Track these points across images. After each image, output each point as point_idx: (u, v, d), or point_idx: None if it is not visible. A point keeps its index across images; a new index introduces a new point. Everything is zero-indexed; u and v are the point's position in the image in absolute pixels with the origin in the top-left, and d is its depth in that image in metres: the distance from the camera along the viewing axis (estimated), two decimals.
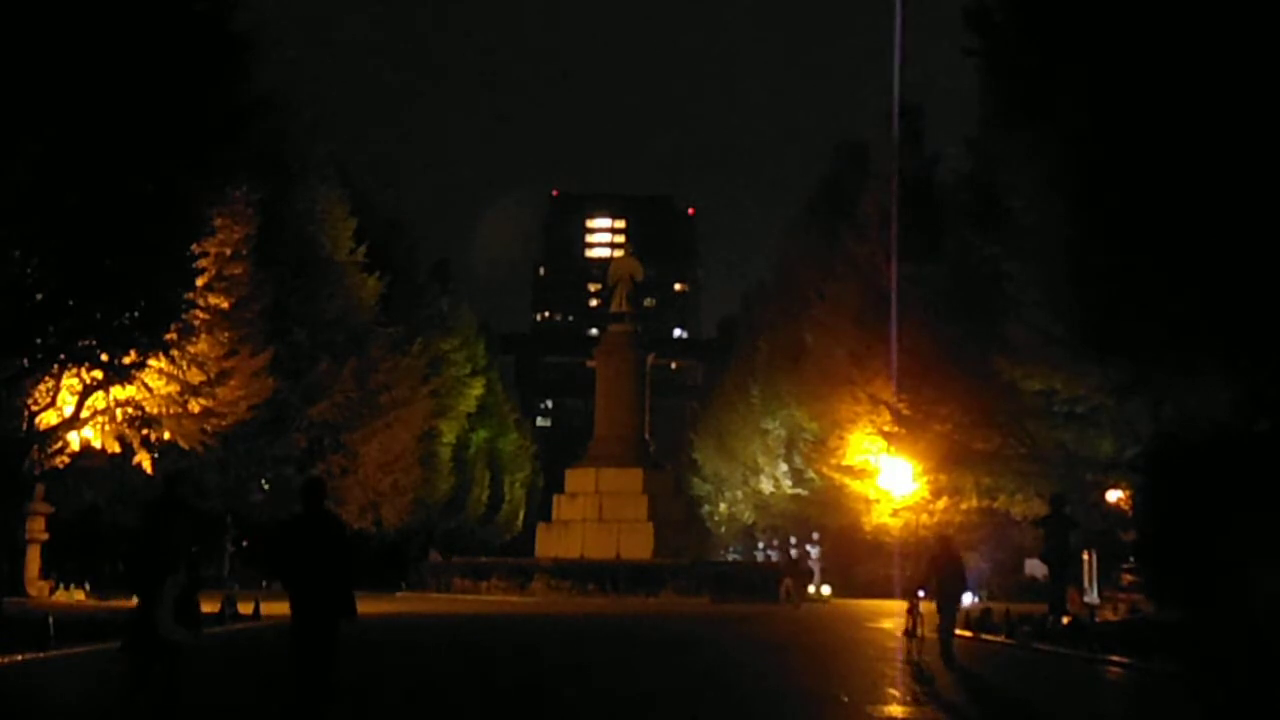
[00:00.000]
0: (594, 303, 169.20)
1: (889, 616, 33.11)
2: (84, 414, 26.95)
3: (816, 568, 55.98)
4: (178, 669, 10.06)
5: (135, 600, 10.02)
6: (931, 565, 20.60)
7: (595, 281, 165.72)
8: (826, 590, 49.13)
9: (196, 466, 33.89)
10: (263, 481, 42.43)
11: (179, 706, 10.17)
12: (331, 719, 10.25)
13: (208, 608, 25.21)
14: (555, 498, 50.58)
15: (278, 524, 16.03)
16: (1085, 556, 38.80)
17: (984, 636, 24.77)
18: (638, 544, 45.14)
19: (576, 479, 49.35)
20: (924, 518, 43.44)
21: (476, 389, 62.19)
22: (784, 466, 55.56)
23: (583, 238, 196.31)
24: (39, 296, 21.47)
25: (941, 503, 41.40)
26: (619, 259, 62.18)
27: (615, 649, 22.96)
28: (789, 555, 36.65)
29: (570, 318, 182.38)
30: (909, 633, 20.14)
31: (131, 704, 10.06)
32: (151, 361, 25.77)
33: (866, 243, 46.45)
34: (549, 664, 19.47)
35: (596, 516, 47.05)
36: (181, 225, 23.52)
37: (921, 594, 20.74)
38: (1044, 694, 17.23)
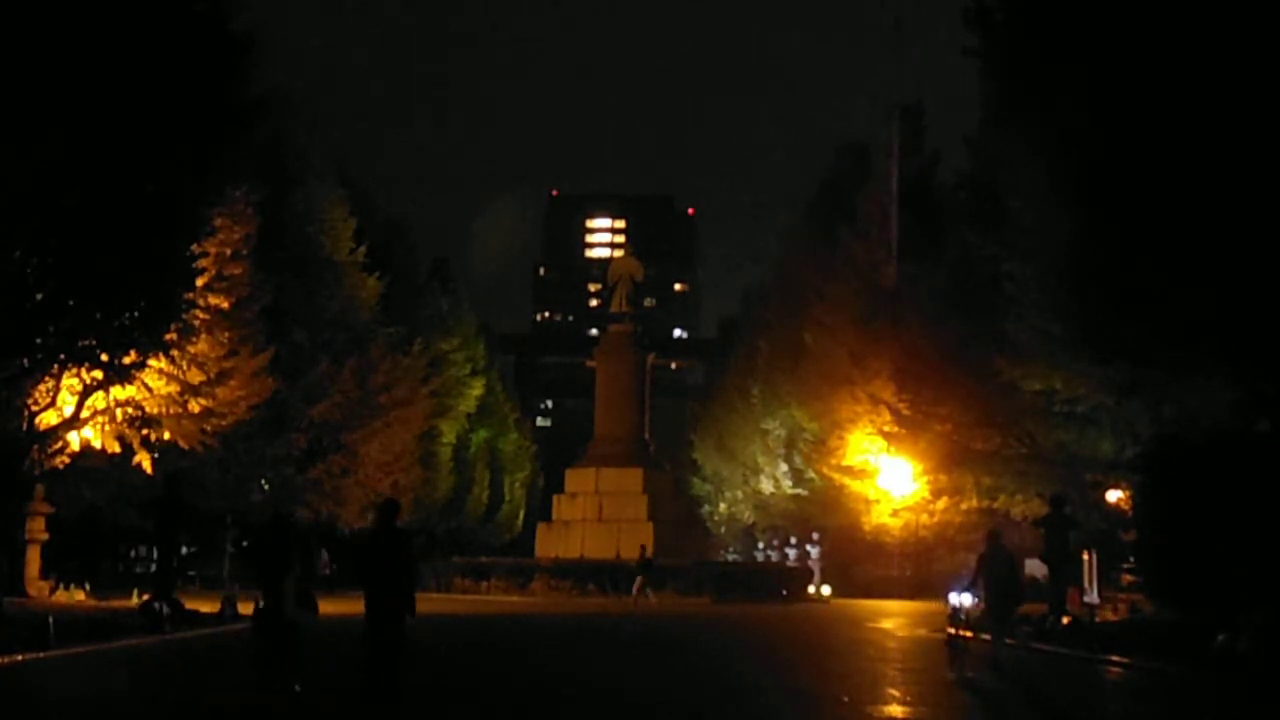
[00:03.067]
0: (594, 303, 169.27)
1: (889, 617, 33.11)
2: (84, 414, 26.91)
3: (816, 568, 55.95)
4: (301, 643, 12.61)
5: (261, 594, 12.71)
6: (980, 565, 18.66)
7: (595, 281, 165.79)
8: (826, 590, 49.12)
9: (196, 466, 33.87)
10: (263, 481, 42.39)
11: (300, 672, 12.57)
12: (402, 695, 12.51)
13: (206, 608, 25.44)
14: (555, 498, 50.51)
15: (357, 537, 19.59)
16: (1085, 556, 38.78)
17: (983, 636, 24.73)
18: (638, 544, 45.09)
19: (576, 479, 49.30)
20: (924, 518, 43.46)
21: (476, 389, 62.13)
22: (784, 466, 55.51)
23: (583, 238, 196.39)
24: (39, 296, 21.44)
25: (941, 503, 41.40)
26: (619, 259, 62.11)
27: (616, 649, 22.95)
28: (643, 552, 36.76)
29: (570, 318, 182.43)
30: (953, 642, 17.78)
31: (265, 677, 12.57)
32: (151, 361, 25.73)
33: (866, 243, 46.45)
34: (551, 663, 19.47)
35: (596, 516, 46.99)
36: (181, 225, 23.50)
37: (971, 597, 18.54)
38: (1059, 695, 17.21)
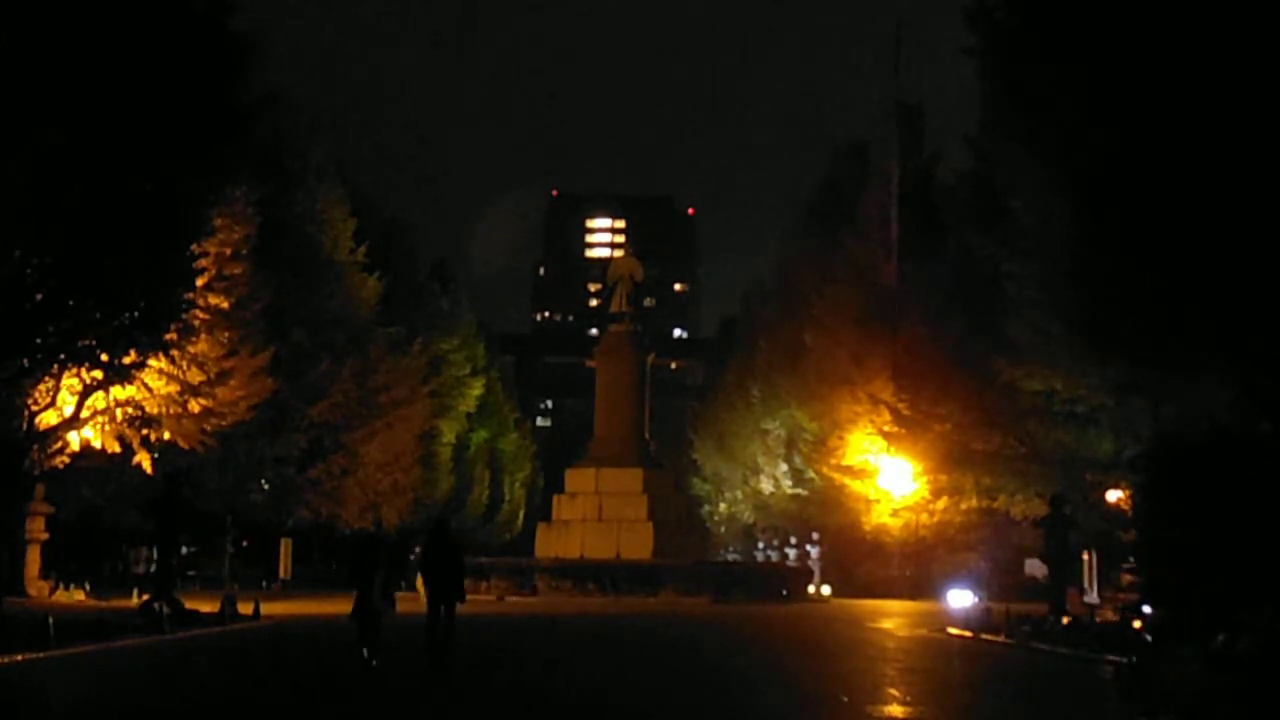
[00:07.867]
0: (594, 303, 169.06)
1: (889, 616, 33.12)
2: (84, 414, 26.92)
3: (816, 568, 55.96)
4: (381, 627, 16.56)
5: (356, 592, 16.59)
6: None
7: (595, 281, 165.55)
8: (826, 590, 49.11)
9: (196, 466, 33.88)
10: (262, 481, 42.37)
11: (382, 646, 16.41)
12: (452, 662, 16.35)
13: (206, 608, 25.45)
14: (555, 498, 50.45)
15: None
16: (1085, 556, 38.79)
17: (984, 636, 24.78)
18: (638, 544, 45.04)
19: (576, 479, 49.26)
20: (924, 518, 43.48)
21: (476, 389, 62.12)
22: (784, 466, 55.51)
23: (583, 238, 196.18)
24: (39, 296, 21.44)
25: (941, 503, 41.42)
26: (619, 259, 62.02)
27: (617, 649, 22.95)
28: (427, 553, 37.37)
29: (570, 318, 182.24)
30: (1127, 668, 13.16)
31: (362, 649, 16.21)
32: (151, 361, 25.74)
33: (867, 243, 46.46)
34: (551, 663, 19.46)
35: (596, 516, 46.95)
36: (181, 225, 23.50)
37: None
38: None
